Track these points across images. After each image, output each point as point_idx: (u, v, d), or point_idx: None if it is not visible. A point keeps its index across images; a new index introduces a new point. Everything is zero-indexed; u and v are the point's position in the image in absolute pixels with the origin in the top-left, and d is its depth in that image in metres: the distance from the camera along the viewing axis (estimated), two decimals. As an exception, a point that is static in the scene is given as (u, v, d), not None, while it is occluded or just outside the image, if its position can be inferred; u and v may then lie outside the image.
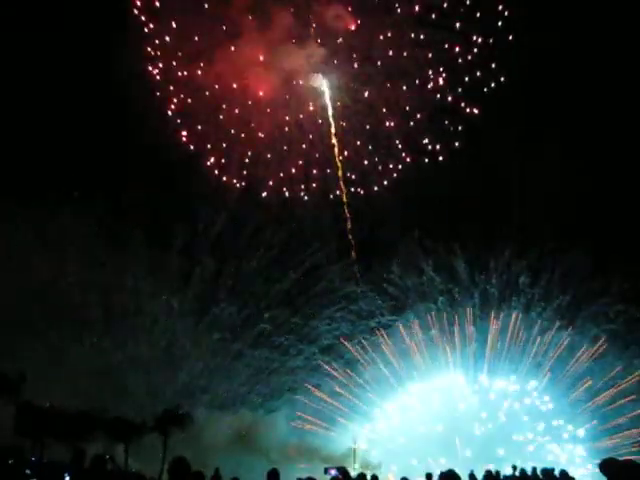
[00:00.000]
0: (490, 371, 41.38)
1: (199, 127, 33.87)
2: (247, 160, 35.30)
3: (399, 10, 32.56)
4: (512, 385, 41.35)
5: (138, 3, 30.59)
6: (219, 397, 37.82)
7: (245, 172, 36.12)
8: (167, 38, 31.26)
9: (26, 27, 34.38)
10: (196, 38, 31.54)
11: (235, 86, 32.67)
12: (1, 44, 33.22)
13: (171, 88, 32.76)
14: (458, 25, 32.86)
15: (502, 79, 33.61)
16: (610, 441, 37.36)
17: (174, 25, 31.11)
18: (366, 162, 36.44)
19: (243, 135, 34.26)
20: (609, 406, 38.01)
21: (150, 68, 31.99)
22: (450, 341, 41.39)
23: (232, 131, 33.92)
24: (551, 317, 40.74)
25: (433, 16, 32.82)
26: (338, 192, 37.36)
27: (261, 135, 34.34)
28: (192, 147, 34.32)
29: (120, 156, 36.31)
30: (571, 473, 33.30)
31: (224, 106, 33.17)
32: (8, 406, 28.33)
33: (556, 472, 14.56)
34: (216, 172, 35.31)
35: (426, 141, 35.30)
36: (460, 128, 35.14)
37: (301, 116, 34.52)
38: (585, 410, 39.13)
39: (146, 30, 30.99)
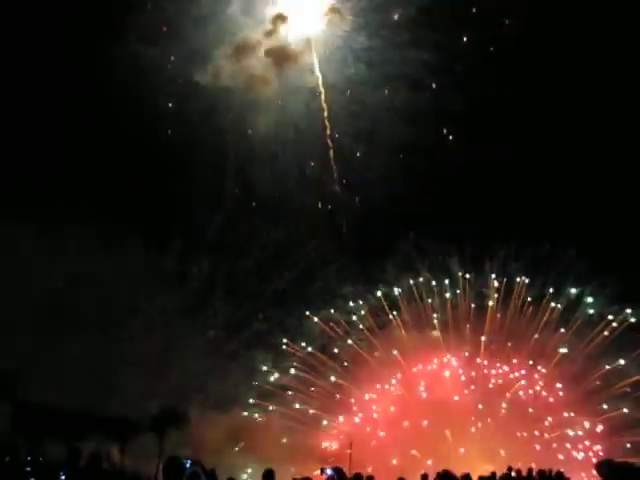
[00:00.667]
0: (489, 354, 36.11)
1: (193, 130, 34.02)
2: (242, 162, 35.50)
3: (397, 12, 32.75)
4: (515, 370, 35.43)
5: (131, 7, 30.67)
6: (214, 397, 37.93)
7: (240, 174, 36.31)
8: (161, 42, 31.39)
9: (21, 28, 34.42)
10: (191, 39, 31.68)
11: (231, 88, 32.87)
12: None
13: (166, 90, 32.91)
14: (457, 27, 33.06)
15: (501, 86, 33.78)
16: (636, 437, 31.78)
17: (165, 29, 31.22)
18: (362, 163, 36.64)
19: (238, 137, 34.45)
20: (634, 393, 32.28)
21: (144, 68, 32.03)
22: (441, 317, 36.55)
23: (227, 136, 34.14)
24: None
25: (433, 18, 32.98)
26: (333, 194, 37.56)
27: (256, 138, 34.53)
28: (187, 149, 34.47)
29: (117, 157, 36.45)
30: (586, 476, 31.28)
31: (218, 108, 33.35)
32: (4, 405, 28.46)
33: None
34: (211, 175, 35.47)
35: (423, 144, 35.49)
36: (458, 132, 35.35)
37: (297, 118, 34.71)
38: (604, 399, 33.14)
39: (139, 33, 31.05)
